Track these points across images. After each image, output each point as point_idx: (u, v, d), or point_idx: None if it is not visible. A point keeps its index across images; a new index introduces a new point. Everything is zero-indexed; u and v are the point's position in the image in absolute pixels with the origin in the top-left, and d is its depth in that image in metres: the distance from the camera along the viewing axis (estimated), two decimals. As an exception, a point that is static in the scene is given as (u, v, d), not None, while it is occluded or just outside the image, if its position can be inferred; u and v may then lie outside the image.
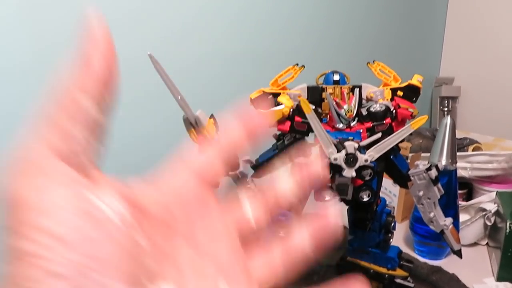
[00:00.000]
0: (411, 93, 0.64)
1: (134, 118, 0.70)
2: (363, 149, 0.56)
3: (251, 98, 0.64)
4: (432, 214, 0.64)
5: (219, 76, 0.79)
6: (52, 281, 0.13)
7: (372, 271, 0.71)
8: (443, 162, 0.82)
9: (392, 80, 0.65)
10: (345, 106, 0.59)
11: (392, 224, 0.69)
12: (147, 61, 0.49)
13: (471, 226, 0.88)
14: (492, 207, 0.86)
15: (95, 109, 0.16)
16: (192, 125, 0.58)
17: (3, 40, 0.57)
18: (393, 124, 0.60)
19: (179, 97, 0.54)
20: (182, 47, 0.74)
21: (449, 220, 0.64)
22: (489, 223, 0.86)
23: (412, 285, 0.69)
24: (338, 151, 0.55)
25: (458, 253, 0.66)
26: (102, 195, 0.16)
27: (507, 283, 0.76)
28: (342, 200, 0.68)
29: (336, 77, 0.64)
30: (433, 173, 0.61)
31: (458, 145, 1.11)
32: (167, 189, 0.20)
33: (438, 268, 0.79)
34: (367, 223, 0.67)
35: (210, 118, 0.62)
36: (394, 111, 0.60)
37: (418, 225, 0.85)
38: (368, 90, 0.65)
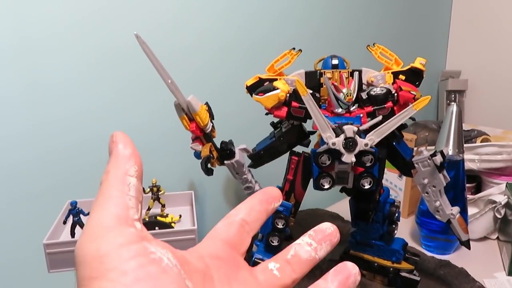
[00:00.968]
0: (414, 77, 0.61)
1: (125, 107, 0.68)
2: (363, 133, 0.53)
3: (247, 85, 0.61)
4: (438, 203, 0.61)
5: (215, 64, 0.77)
6: None
7: (376, 264, 0.68)
8: (450, 151, 0.79)
9: (394, 64, 0.62)
10: (344, 90, 0.56)
11: (396, 215, 0.66)
12: (137, 49, 0.47)
13: (480, 219, 0.85)
14: (502, 199, 0.82)
15: (137, 184, 0.21)
16: (184, 110, 0.56)
17: None
18: (395, 108, 0.57)
19: (169, 81, 0.52)
20: (178, 34, 0.72)
21: (456, 209, 0.61)
22: (499, 216, 0.83)
23: (418, 278, 0.66)
24: (337, 135, 0.52)
25: (466, 244, 0.63)
26: (158, 248, 0.20)
27: (519, 277, 0.73)
28: (343, 190, 0.66)
29: (335, 62, 0.61)
30: (438, 159, 0.58)
31: (466, 137, 1.07)
32: (204, 251, 0.24)
33: (446, 262, 0.76)
34: (369, 213, 0.64)
35: (204, 104, 0.60)
36: (395, 94, 0.57)
37: (425, 219, 0.82)
38: (369, 74, 0.62)
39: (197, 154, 0.59)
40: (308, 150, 0.61)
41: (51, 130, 0.62)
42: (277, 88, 0.57)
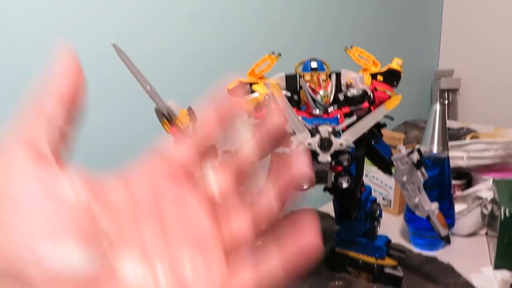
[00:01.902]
0: (391, 77, 0.63)
1: (103, 106, 0.70)
2: (338, 133, 0.55)
3: (228, 89, 0.63)
4: (417, 200, 0.62)
5: (194, 69, 0.79)
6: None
7: (360, 261, 0.69)
8: (434, 150, 0.80)
9: (372, 65, 0.64)
10: (321, 92, 0.58)
11: (378, 212, 0.67)
12: (112, 53, 0.49)
13: (468, 216, 0.86)
14: (488, 195, 0.84)
15: (60, 113, 0.19)
16: (164, 116, 0.58)
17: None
18: (371, 108, 0.59)
19: (148, 88, 0.54)
20: (154, 36, 0.73)
21: (434, 205, 0.63)
22: (486, 212, 0.84)
23: (401, 274, 0.67)
24: (312, 136, 0.54)
25: (446, 239, 0.65)
26: (64, 181, 0.18)
27: (504, 271, 0.74)
28: (326, 189, 0.67)
29: (314, 65, 0.63)
30: (415, 156, 0.60)
31: (455, 135, 1.09)
32: (137, 182, 0.22)
33: (432, 258, 0.77)
34: (352, 212, 0.66)
35: (187, 110, 0.62)
36: (371, 94, 0.59)
37: (412, 216, 0.83)
38: (347, 76, 0.64)
39: (181, 157, 0.61)
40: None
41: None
42: (256, 92, 0.59)
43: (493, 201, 0.83)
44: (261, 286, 0.21)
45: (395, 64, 0.63)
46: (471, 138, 1.04)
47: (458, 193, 0.95)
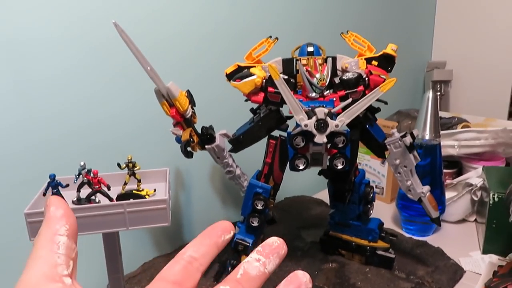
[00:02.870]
0: (386, 62, 0.64)
1: (110, 98, 0.71)
2: (334, 115, 0.56)
3: (226, 73, 0.64)
4: (409, 183, 0.64)
5: (194, 54, 0.79)
6: None
7: (354, 244, 0.71)
8: (427, 136, 0.81)
9: (367, 50, 0.65)
10: (317, 75, 0.59)
11: (372, 195, 0.69)
12: (118, 40, 0.50)
13: (458, 202, 0.88)
14: (478, 182, 0.85)
15: (68, 242, 0.22)
16: (164, 96, 0.58)
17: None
18: (366, 92, 0.60)
19: (149, 68, 0.54)
20: (160, 25, 0.74)
21: (426, 188, 0.64)
22: (475, 198, 0.86)
23: (393, 256, 0.69)
24: (309, 117, 0.55)
25: (436, 220, 0.66)
26: None
27: (492, 255, 0.76)
28: (321, 173, 0.69)
29: (310, 49, 0.64)
30: (408, 139, 0.61)
31: (447, 124, 1.10)
32: None
33: (423, 242, 0.79)
34: (346, 194, 0.67)
35: (185, 92, 0.62)
36: (366, 78, 0.60)
37: (404, 202, 0.85)
38: (343, 60, 0.65)
39: (178, 139, 0.62)
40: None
41: (38, 120, 0.64)
42: (254, 74, 0.60)
43: (482, 188, 0.85)
44: None
45: (390, 49, 0.64)
46: (462, 127, 1.06)
47: (448, 181, 0.97)
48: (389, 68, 0.64)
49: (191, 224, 0.87)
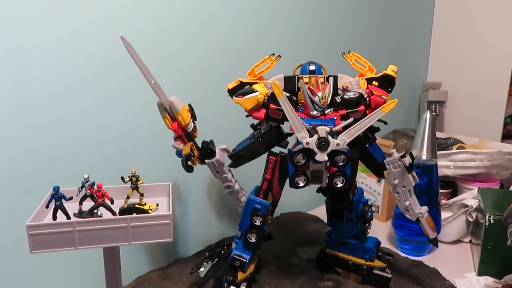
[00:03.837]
0: (386, 83, 0.65)
1: (112, 108, 0.71)
2: (335, 134, 0.57)
3: (228, 88, 0.64)
4: (407, 203, 0.64)
5: (196, 68, 0.80)
6: None
7: (350, 262, 0.71)
8: (424, 156, 0.82)
9: (368, 71, 0.66)
10: (319, 94, 0.60)
11: (369, 214, 0.69)
12: (125, 52, 0.50)
13: (453, 223, 0.88)
14: (473, 203, 0.86)
15: None
16: (166, 110, 0.59)
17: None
18: (367, 112, 0.61)
19: (153, 82, 0.55)
20: (164, 39, 0.75)
21: (424, 209, 0.65)
22: (470, 219, 0.86)
23: (390, 275, 0.69)
24: (311, 135, 0.56)
25: (434, 241, 0.66)
26: None
27: (487, 277, 0.76)
28: (319, 190, 0.69)
29: (312, 67, 0.65)
30: (407, 160, 0.62)
31: (442, 145, 1.11)
32: None
33: (419, 262, 0.79)
34: (344, 213, 0.67)
35: (188, 106, 0.63)
36: (367, 98, 0.61)
37: (400, 222, 0.85)
38: (344, 80, 0.65)
39: (179, 153, 0.62)
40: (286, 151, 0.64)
41: (39, 129, 0.64)
42: (256, 91, 0.60)
43: (477, 209, 0.85)
44: None
45: (390, 70, 0.65)
46: (458, 148, 1.07)
47: (443, 201, 0.97)
48: (389, 89, 0.65)
49: (186, 238, 0.86)
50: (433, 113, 1.46)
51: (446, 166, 0.99)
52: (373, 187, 1.01)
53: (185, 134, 0.62)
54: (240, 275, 0.66)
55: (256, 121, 0.67)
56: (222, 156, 0.67)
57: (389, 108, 0.54)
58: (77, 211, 0.50)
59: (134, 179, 0.54)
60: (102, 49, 0.67)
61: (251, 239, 0.65)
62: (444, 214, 0.90)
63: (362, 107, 0.61)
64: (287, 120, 0.58)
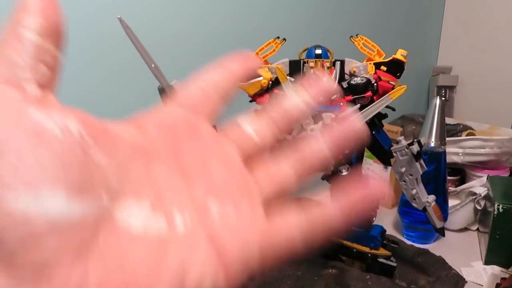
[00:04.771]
0: (395, 68, 0.63)
1: (107, 94, 0.70)
2: (341, 120, 0.55)
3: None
4: (414, 191, 0.63)
5: (199, 52, 0.78)
6: None
7: (355, 250, 0.70)
8: (432, 143, 0.80)
9: (376, 55, 0.64)
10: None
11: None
12: (122, 35, 0.48)
13: (460, 210, 0.87)
14: (482, 191, 0.84)
15: (40, 40, 0.16)
16: (167, 95, 0.57)
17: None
18: (374, 97, 0.59)
19: (153, 65, 0.53)
20: (167, 23, 0.73)
21: (431, 197, 0.63)
22: (479, 207, 0.85)
23: (394, 264, 0.68)
24: (315, 122, 0.54)
25: (441, 231, 0.65)
26: (49, 114, 0.15)
27: (494, 266, 0.75)
28: (324, 178, 0.67)
29: (318, 51, 0.63)
30: (415, 148, 0.60)
31: (452, 131, 1.09)
32: (148, 122, 0.19)
33: (424, 250, 0.78)
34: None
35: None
36: (375, 84, 0.59)
37: (406, 209, 0.84)
38: (351, 64, 0.63)
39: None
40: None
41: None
42: (260, 76, 0.59)
43: (486, 197, 0.84)
44: (311, 232, 0.18)
45: (400, 54, 0.63)
46: (467, 135, 1.05)
47: (451, 188, 0.96)
48: (398, 74, 0.63)
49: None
50: (443, 98, 1.44)
51: (455, 153, 0.97)
52: (379, 174, 1.00)
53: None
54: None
55: (259, 107, 0.66)
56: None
57: (397, 94, 0.53)
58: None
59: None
60: (100, 33, 0.66)
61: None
62: (452, 202, 0.88)
63: (369, 93, 0.59)
64: (292, 106, 0.56)
